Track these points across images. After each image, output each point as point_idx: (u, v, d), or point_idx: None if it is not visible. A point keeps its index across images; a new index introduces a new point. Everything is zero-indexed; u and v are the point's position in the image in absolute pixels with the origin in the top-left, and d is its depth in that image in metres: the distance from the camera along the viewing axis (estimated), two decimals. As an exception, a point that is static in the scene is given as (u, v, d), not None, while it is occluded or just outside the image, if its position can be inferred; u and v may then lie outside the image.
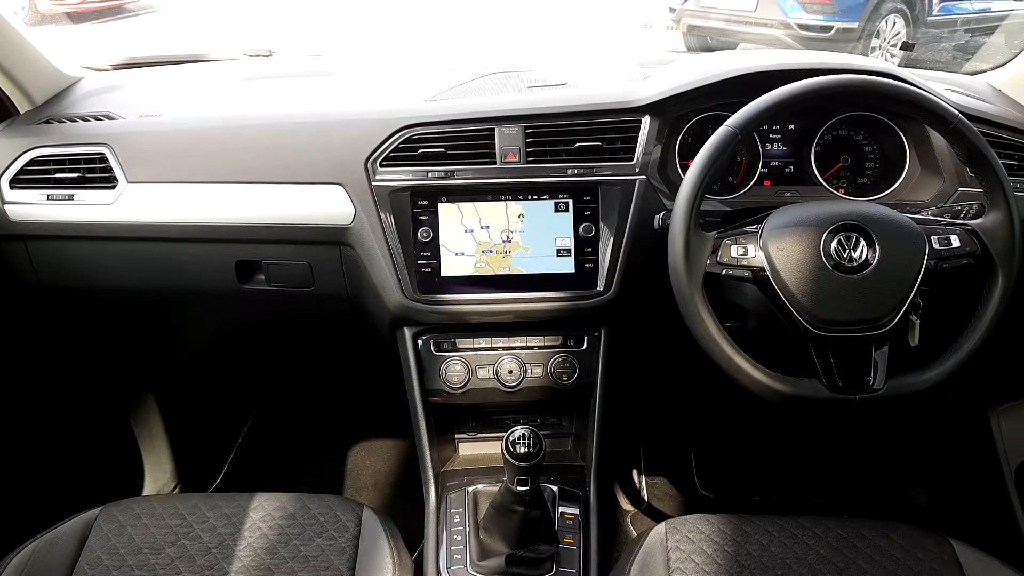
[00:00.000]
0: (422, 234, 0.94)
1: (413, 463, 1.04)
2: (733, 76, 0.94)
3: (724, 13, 4.27)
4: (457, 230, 0.95)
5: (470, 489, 0.98)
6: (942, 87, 1.01)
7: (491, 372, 0.99)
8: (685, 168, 0.95)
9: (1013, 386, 1.26)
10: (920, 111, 0.78)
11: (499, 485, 0.86)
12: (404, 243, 0.93)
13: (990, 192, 0.78)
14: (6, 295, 1.09)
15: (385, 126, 0.95)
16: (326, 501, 0.87)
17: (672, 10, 4.53)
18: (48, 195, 0.99)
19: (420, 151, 0.94)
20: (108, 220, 0.98)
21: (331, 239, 0.97)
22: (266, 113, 1.04)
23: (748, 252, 0.77)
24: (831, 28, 3.96)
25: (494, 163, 0.94)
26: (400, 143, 0.94)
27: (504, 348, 1.00)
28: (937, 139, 0.94)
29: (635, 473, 1.52)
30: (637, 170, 0.93)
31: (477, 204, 0.94)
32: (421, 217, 0.94)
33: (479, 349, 1.00)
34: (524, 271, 0.96)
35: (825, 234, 0.76)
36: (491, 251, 0.95)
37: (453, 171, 0.93)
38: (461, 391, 0.99)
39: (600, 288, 0.94)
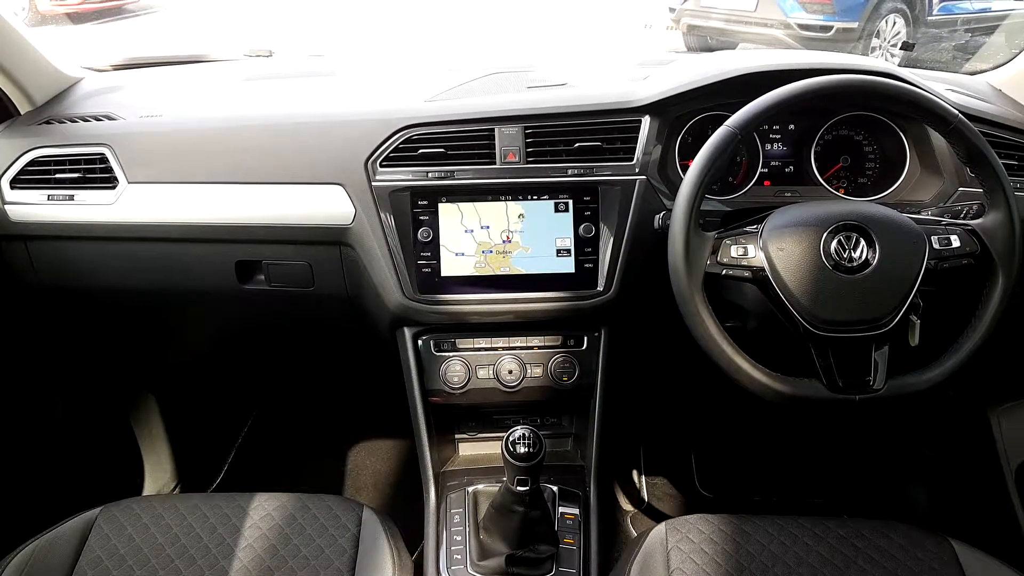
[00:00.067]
0: (422, 234, 0.94)
1: (413, 463, 1.04)
2: (733, 76, 0.94)
3: (724, 13, 4.27)
4: (457, 230, 0.95)
5: (470, 489, 0.98)
6: (942, 87, 1.01)
7: (491, 372, 0.99)
8: (685, 168, 0.95)
9: (1013, 386, 1.26)
10: (920, 111, 0.78)
11: (499, 485, 0.86)
12: (404, 243, 0.93)
13: (990, 192, 0.78)
14: (6, 295, 1.09)
15: (385, 126, 0.95)
16: (326, 501, 0.87)
17: (672, 10, 4.54)
18: (48, 195, 0.99)
19: (420, 151, 0.94)
20: (108, 220, 0.98)
21: (331, 239, 0.97)
22: (266, 113, 1.04)
23: (748, 252, 0.77)
24: (831, 28, 3.96)
25: (494, 163, 0.94)
26: (400, 143, 0.94)
27: (504, 348, 1.00)
28: (937, 139, 0.94)
29: (635, 473, 1.52)
30: (637, 170, 0.93)
31: (477, 204, 0.94)
32: (421, 217, 0.94)
33: (479, 349, 1.00)
34: (524, 271, 0.96)
35: (825, 234, 0.76)
36: (491, 251, 0.95)
37: (453, 171, 0.93)
38: (461, 391, 0.99)
39: (600, 288, 0.94)
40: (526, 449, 0.79)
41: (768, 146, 1.01)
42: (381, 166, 0.94)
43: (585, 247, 0.95)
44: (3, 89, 1.05)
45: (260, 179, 0.96)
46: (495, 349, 1.00)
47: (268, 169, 0.97)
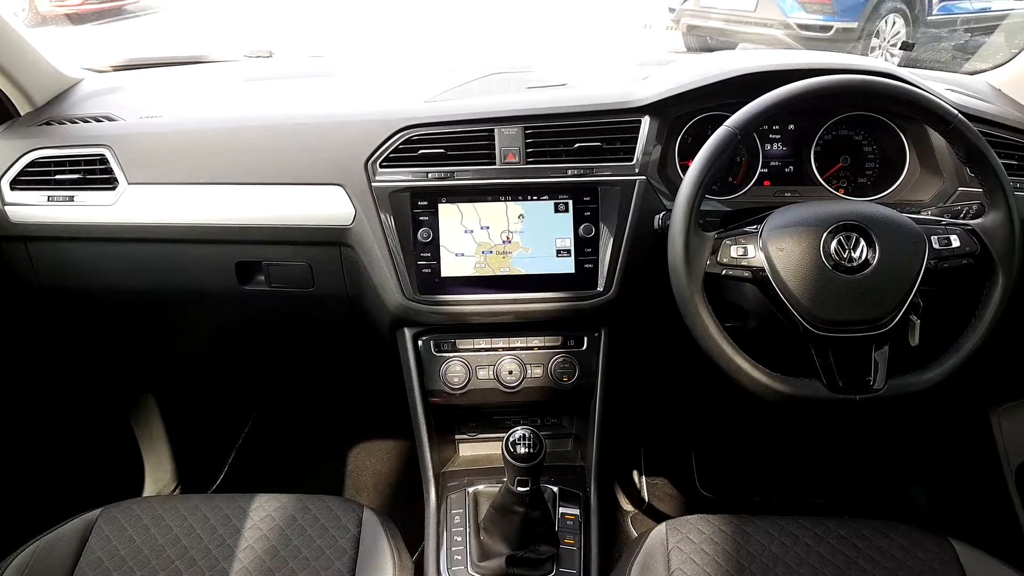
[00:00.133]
0: (422, 235, 0.94)
1: (413, 464, 1.04)
2: (733, 76, 0.94)
3: (724, 13, 4.27)
4: (457, 231, 0.95)
5: (470, 490, 0.98)
6: (942, 87, 1.01)
7: (491, 373, 0.99)
8: (685, 168, 0.95)
9: (1013, 386, 1.26)
10: (920, 111, 0.78)
11: (499, 486, 0.86)
12: (404, 244, 0.93)
13: (990, 192, 0.78)
14: (7, 296, 1.09)
15: (385, 127, 0.95)
16: (326, 502, 0.87)
17: (672, 10, 4.54)
18: (49, 196, 0.99)
19: (420, 152, 0.94)
20: (108, 221, 0.98)
21: (331, 240, 0.97)
22: (266, 114, 1.04)
23: (748, 252, 0.77)
24: (831, 28, 3.96)
25: (494, 164, 0.94)
26: (400, 144, 0.94)
27: (504, 349, 1.00)
28: (937, 139, 0.94)
29: (635, 473, 1.52)
30: (637, 170, 0.93)
31: (477, 205, 0.94)
32: (421, 218, 0.94)
33: (479, 350, 1.00)
34: (524, 271, 0.96)
35: (825, 234, 0.76)
36: (491, 252, 0.95)
37: (453, 172, 0.93)
38: (461, 392, 0.99)
39: (600, 288, 0.94)
40: (526, 450, 0.79)
41: (768, 146, 1.01)
42: (381, 167, 0.94)
43: (585, 247, 0.95)
44: (3, 90, 1.05)
45: (260, 180, 0.97)
46: (495, 350, 1.00)
47: (268, 170, 0.97)
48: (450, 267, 0.95)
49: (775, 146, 1.01)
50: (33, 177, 1.00)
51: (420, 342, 1.00)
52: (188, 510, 0.86)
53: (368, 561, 0.81)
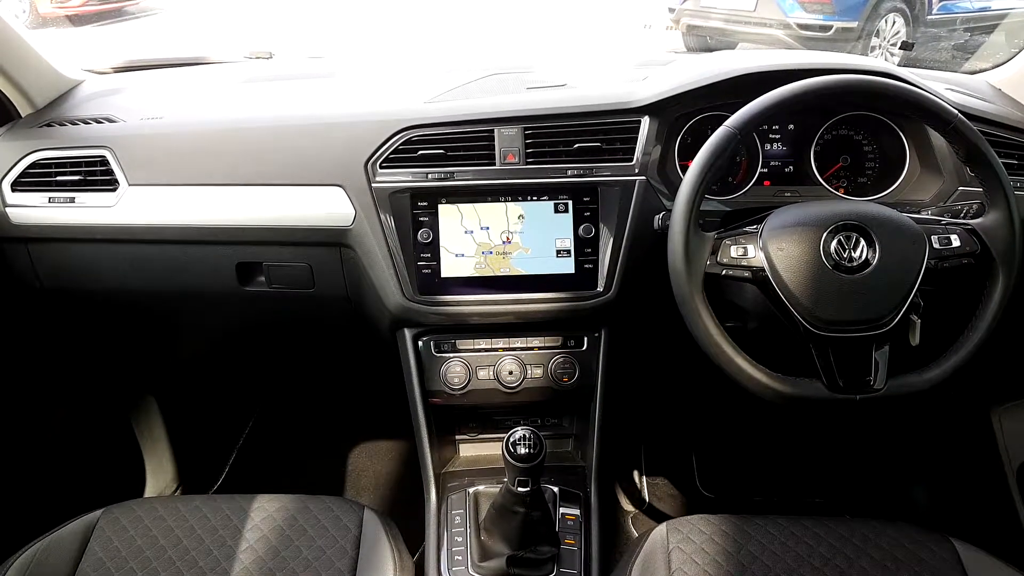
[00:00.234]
0: (422, 235, 0.94)
1: (414, 464, 1.04)
2: (732, 76, 0.94)
3: (723, 13, 4.27)
4: (457, 231, 0.95)
5: (471, 490, 0.99)
6: (941, 86, 1.01)
7: (491, 373, 0.99)
8: (684, 168, 0.96)
9: (1014, 385, 1.26)
10: (919, 111, 0.78)
11: (500, 486, 0.86)
12: (404, 244, 0.93)
13: (990, 191, 0.78)
14: (8, 297, 1.09)
15: (385, 128, 0.95)
16: (327, 502, 0.87)
17: (671, 10, 4.54)
18: (49, 198, 1.00)
19: (420, 152, 0.94)
20: (109, 223, 0.98)
21: (331, 241, 0.97)
22: (266, 115, 1.04)
23: (748, 252, 0.77)
24: (830, 27, 3.96)
25: (493, 164, 0.94)
26: (400, 144, 0.94)
27: (504, 349, 1.00)
28: (937, 138, 0.94)
29: (636, 474, 1.52)
30: (636, 171, 0.93)
31: (477, 205, 0.94)
32: (421, 218, 0.94)
33: (479, 350, 1.00)
34: (524, 272, 0.96)
35: (825, 234, 0.76)
36: (491, 252, 0.95)
37: (453, 172, 0.93)
38: (461, 392, 1.00)
39: (600, 289, 0.95)
40: (527, 450, 0.79)
41: (768, 146, 1.01)
42: (381, 167, 0.94)
43: (585, 248, 0.95)
44: (4, 92, 1.05)
45: (260, 181, 0.97)
46: (495, 350, 1.00)
47: (268, 171, 0.97)
48: (450, 268, 0.95)
49: (775, 146, 1.01)
50: (34, 179, 1.00)
51: (420, 342, 1.00)
52: (189, 511, 0.86)
53: (369, 561, 0.81)
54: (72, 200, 0.99)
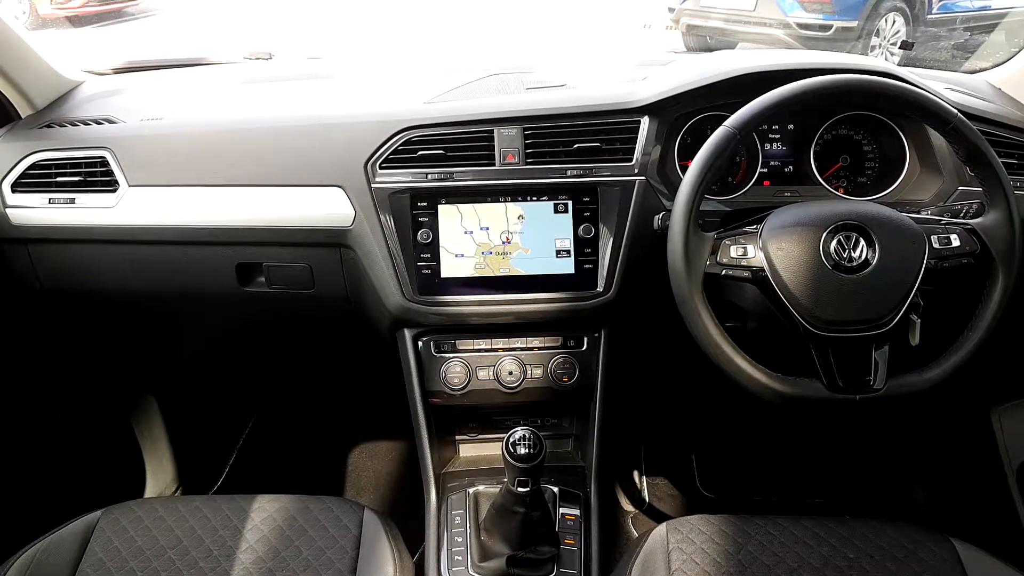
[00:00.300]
0: (422, 236, 0.94)
1: (414, 464, 1.04)
2: (732, 76, 0.94)
3: (723, 13, 4.27)
4: (457, 231, 0.95)
5: (471, 490, 0.99)
6: (941, 86, 1.01)
7: (491, 373, 0.99)
8: (684, 168, 0.95)
9: (1014, 385, 1.26)
10: (919, 110, 0.78)
11: (500, 486, 0.87)
12: (404, 245, 0.93)
13: (990, 191, 0.78)
14: (8, 298, 1.09)
15: (384, 128, 0.95)
16: (327, 503, 0.87)
17: (671, 10, 4.54)
18: (50, 199, 1.00)
19: (419, 153, 0.94)
20: (109, 224, 0.99)
21: (331, 241, 0.97)
22: (266, 116, 1.04)
23: (748, 252, 0.77)
24: (830, 27, 3.96)
25: (493, 164, 0.94)
26: (399, 145, 0.94)
27: (504, 349, 1.00)
28: (937, 138, 0.94)
29: (636, 474, 1.52)
30: (636, 171, 0.93)
31: (476, 206, 0.94)
32: (421, 219, 0.94)
33: (479, 350, 1.00)
34: (524, 272, 0.96)
35: (825, 234, 0.76)
36: (491, 252, 0.95)
37: (452, 173, 0.93)
38: (461, 392, 1.00)
39: (600, 289, 0.95)
40: (526, 450, 0.79)
41: (767, 146, 1.01)
42: (380, 168, 0.94)
43: (585, 248, 0.95)
44: (4, 93, 1.05)
45: (260, 182, 0.97)
46: (495, 350, 1.00)
47: (268, 172, 0.97)
48: (450, 268, 0.95)
49: (775, 146, 1.01)
50: (34, 180, 1.01)
51: (420, 343, 1.00)
52: (189, 511, 0.86)
53: (369, 562, 0.81)
54: (72, 201, 0.99)
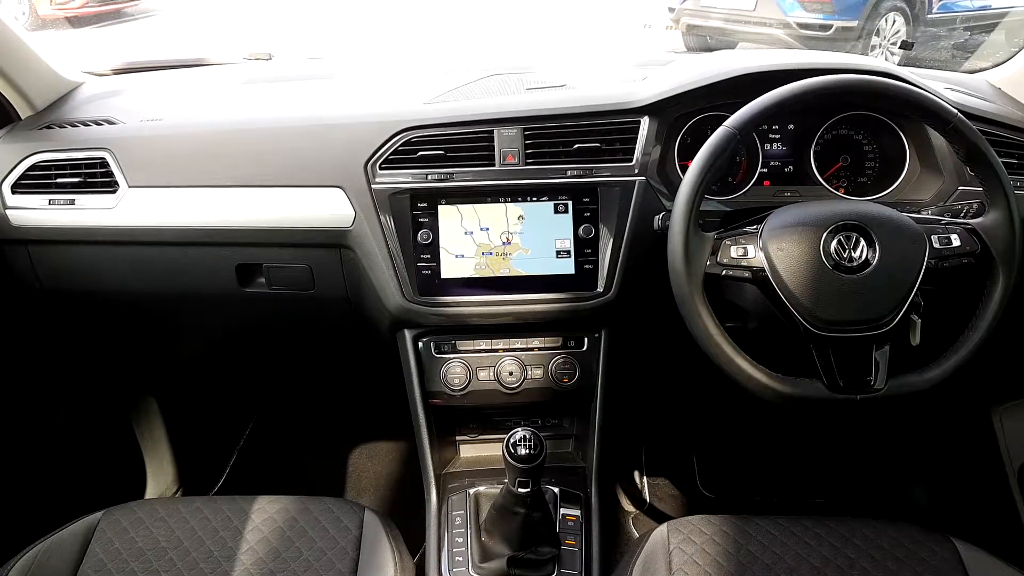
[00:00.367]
0: (422, 236, 0.94)
1: (414, 465, 1.04)
2: (732, 76, 0.94)
3: (723, 12, 4.27)
4: (457, 232, 0.95)
5: (471, 491, 0.99)
6: (941, 86, 1.01)
7: (491, 374, 0.99)
8: (684, 169, 0.95)
9: (1015, 385, 1.26)
10: (919, 110, 0.78)
11: (500, 487, 0.86)
12: (404, 245, 0.93)
13: (990, 191, 0.78)
14: (8, 299, 1.09)
15: (384, 129, 0.95)
16: (328, 503, 0.87)
17: (671, 10, 4.54)
18: (50, 200, 1.00)
19: (419, 153, 0.94)
20: (109, 224, 0.99)
21: (331, 242, 0.97)
22: (266, 117, 1.04)
23: (748, 252, 0.77)
24: (830, 27, 3.96)
25: (493, 165, 0.94)
26: (399, 146, 0.94)
27: (504, 350, 1.00)
28: (937, 138, 0.94)
29: (637, 474, 1.52)
30: (636, 171, 0.93)
31: (476, 206, 0.94)
32: (421, 219, 0.94)
33: (479, 351, 1.00)
34: (524, 273, 0.96)
35: (825, 234, 0.76)
36: (491, 253, 0.95)
37: (452, 173, 0.93)
38: (462, 393, 1.00)
39: (600, 289, 0.95)
40: (527, 451, 0.79)
41: (767, 146, 1.01)
42: (380, 168, 0.94)
43: (585, 248, 0.95)
44: (4, 94, 1.05)
45: (260, 182, 0.97)
46: (495, 351, 1.00)
47: (268, 172, 0.97)
48: (450, 268, 0.95)
49: (775, 146, 1.01)
50: (34, 181, 1.01)
51: (420, 343, 1.00)
52: (190, 512, 0.86)
53: (370, 563, 0.81)
54: (72, 202, 0.99)
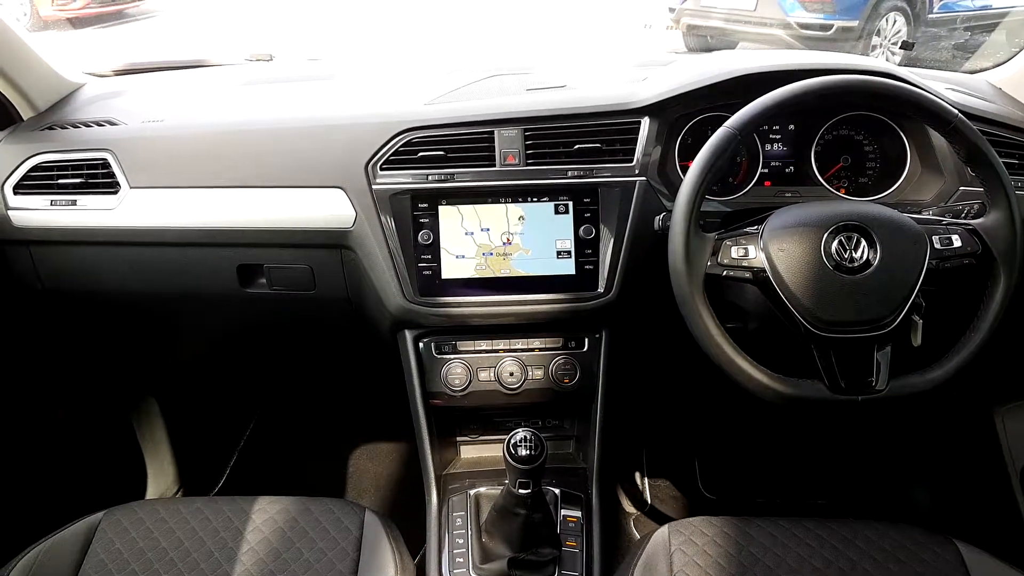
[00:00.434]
0: (422, 237, 0.94)
1: (415, 466, 1.04)
2: (732, 77, 0.94)
3: (724, 12, 4.27)
4: (457, 232, 0.95)
5: (472, 492, 0.98)
6: (942, 86, 1.01)
7: (492, 374, 0.99)
8: (685, 169, 0.95)
9: (1017, 386, 1.26)
10: (920, 111, 0.78)
11: (501, 488, 0.86)
12: (405, 246, 0.93)
13: (991, 191, 0.78)
14: (10, 300, 1.09)
15: (385, 129, 0.95)
16: (328, 504, 0.87)
17: (671, 10, 4.54)
18: (51, 201, 1.00)
19: (420, 154, 0.94)
20: (110, 225, 0.99)
21: (332, 242, 0.97)
22: (267, 118, 1.05)
23: (749, 253, 0.77)
24: (831, 27, 3.96)
25: (494, 166, 0.94)
26: (400, 146, 0.94)
27: (505, 350, 1.00)
28: (938, 138, 0.94)
29: (638, 475, 1.52)
30: (637, 171, 0.93)
31: (477, 207, 0.94)
32: (421, 220, 0.94)
33: (480, 351, 1.00)
34: (524, 273, 0.96)
35: (826, 234, 0.76)
36: (491, 253, 0.95)
37: (453, 174, 0.93)
38: (462, 393, 0.99)
39: (600, 290, 0.94)
40: (527, 452, 0.79)
41: (768, 146, 1.01)
42: (381, 169, 0.94)
43: (585, 249, 0.95)
44: (6, 95, 1.06)
45: (261, 183, 0.97)
46: (496, 351, 1.00)
47: (269, 173, 0.97)
48: (451, 269, 0.95)
49: (775, 146, 1.01)
50: (36, 181, 1.01)
51: (421, 344, 1.00)
52: (191, 512, 0.86)
53: (370, 563, 0.81)
54: (74, 203, 1.00)
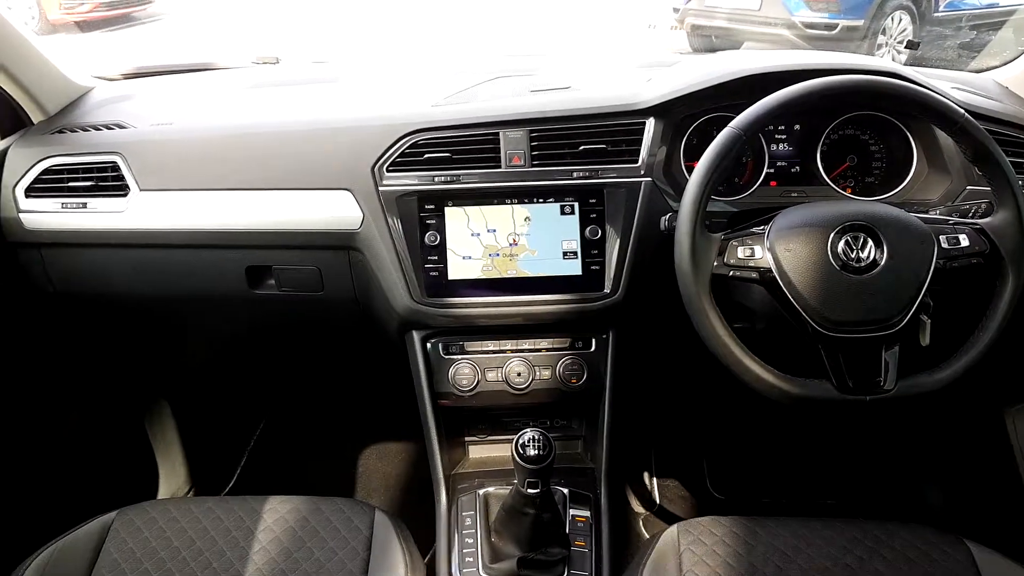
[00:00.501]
0: (429, 238, 0.95)
1: (424, 466, 1.05)
2: (737, 77, 0.94)
3: (728, 12, 4.26)
4: (464, 234, 0.95)
5: (481, 492, 0.99)
6: (948, 85, 1.01)
7: (500, 375, 0.99)
8: (690, 170, 0.95)
9: (1027, 386, 1.25)
10: (926, 110, 0.78)
11: (510, 488, 0.87)
12: (412, 247, 0.94)
13: (998, 191, 0.78)
14: (22, 302, 1.10)
15: (391, 132, 0.95)
16: (338, 504, 0.88)
17: (676, 10, 4.54)
18: (62, 203, 1.01)
19: (426, 156, 0.94)
20: (121, 228, 1.00)
21: (340, 244, 0.98)
22: (274, 120, 1.05)
23: (755, 253, 0.77)
24: (836, 26, 3.95)
25: (499, 167, 0.95)
26: (406, 148, 0.95)
27: (512, 351, 1.00)
28: (944, 138, 0.94)
29: (646, 475, 1.52)
30: (642, 172, 0.94)
31: (483, 208, 0.95)
32: (428, 221, 0.95)
33: (487, 352, 1.00)
34: (531, 274, 0.96)
35: (832, 234, 0.76)
36: (498, 254, 0.96)
37: (459, 175, 0.94)
38: (470, 394, 1.00)
39: (607, 290, 0.95)
40: (536, 452, 0.79)
41: (774, 146, 1.01)
42: (388, 171, 0.95)
43: (591, 249, 0.95)
44: (17, 99, 1.07)
45: (269, 185, 0.98)
46: (503, 351, 1.00)
47: (277, 175, 0.98)
48: (457, 270, 0.95)
49: (781, 146, 1.01)
50: (47, 185, 1.02)
51: (429, 344, 1.01)
52: (202, 512, 0.87)
53: (381, 563, 0.81)
54: (84, 206, 1.01)
